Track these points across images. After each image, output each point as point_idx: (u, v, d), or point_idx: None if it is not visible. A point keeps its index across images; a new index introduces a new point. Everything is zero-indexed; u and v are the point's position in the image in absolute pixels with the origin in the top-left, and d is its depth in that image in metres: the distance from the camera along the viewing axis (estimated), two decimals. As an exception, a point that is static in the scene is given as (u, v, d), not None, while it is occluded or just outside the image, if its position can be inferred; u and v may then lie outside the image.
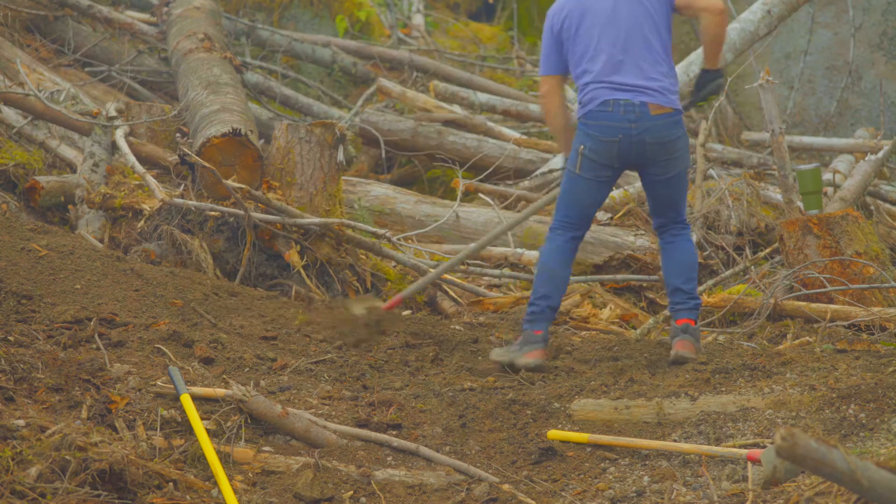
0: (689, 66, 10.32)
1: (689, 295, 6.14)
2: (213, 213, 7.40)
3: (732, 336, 6.93)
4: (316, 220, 7.39)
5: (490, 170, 9.72)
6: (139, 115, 8.19)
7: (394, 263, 7.73)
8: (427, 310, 7.64)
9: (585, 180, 6.08)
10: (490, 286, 8.02)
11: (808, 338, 6.76)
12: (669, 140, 6.04)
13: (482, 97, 11.08)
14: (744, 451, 5.01)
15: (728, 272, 7.93)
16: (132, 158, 7.67)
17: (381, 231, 7.68)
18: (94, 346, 5.63)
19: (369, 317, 6.43)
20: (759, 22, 10.08)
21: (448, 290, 7.69)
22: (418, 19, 13.43)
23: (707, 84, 6.32)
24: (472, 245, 6.95)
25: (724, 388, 5.58)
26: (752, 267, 7.90)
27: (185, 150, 7.48)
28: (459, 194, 8.85)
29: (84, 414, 4.96)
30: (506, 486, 4.99)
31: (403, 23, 13.27)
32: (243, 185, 7.33)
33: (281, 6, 12.88)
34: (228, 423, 5.12)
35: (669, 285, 6.18)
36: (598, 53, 6.04)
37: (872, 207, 8.82)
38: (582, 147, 6.04)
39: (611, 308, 7.59)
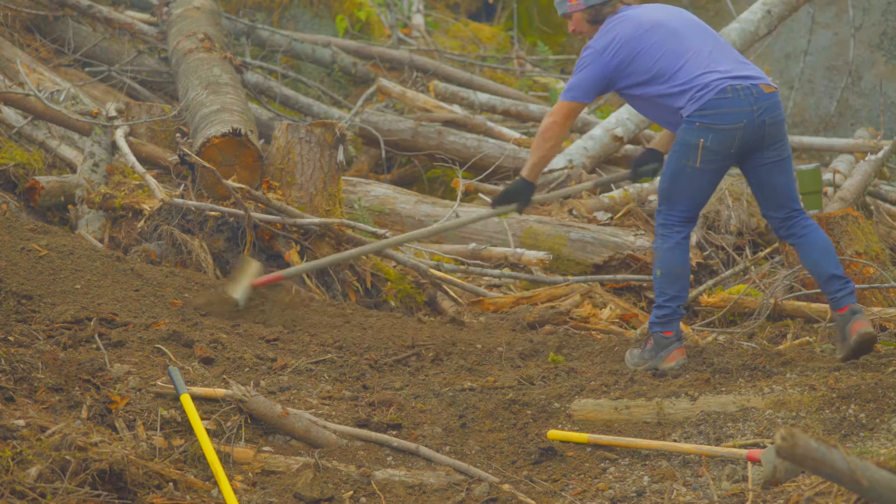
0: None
1: (845, 279, 5.99)
2: (213, 213, 7.40)
3: (732, 336, 6.93)
4: (316, 220, 7.39)
5: (490, 170, 9.72)
6: (139, 115, 8.18)
7: (394, 263, 7.73)
8: (427, 310, 7.64)
9: (707, 172, 5.99)
10: (490, 286, 8.02)
11: (808, 338, 6.76)
12: (781, 119, 6.01)
13: (482, 97, 11.07)
14: (744, 451, 5.01)
15: (728, 272, 7.93)
16: (132, 158, 7.67)
17: (381, 231, 7.68)
18: (94, 346, 5.63)
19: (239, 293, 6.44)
20: (759, 22, 10.07)
21: (448, 289, 7.69)
22: (418, 19, 13.43)
23: (647, 163, 6.51)
24: (412, 233, 7.04)
25: (724, 388, 5.58)
26: (752, 267, 7.91)
27: (185, 150, 7.48)
28: (459, 194, 8.85)
29: (84, 414, 4.96)
30: (506, 486, 4.99)
31: (403, 23, 13.26)
32: (243, 185, 7.33)
33: (281, 6, 12.88)
34: (228, 423, 5.12)
35: (821, 276, 6.01)
36: (686, 52, 5.99)
37: (872, 207, 8.82)
38: (702, 141, 5.92)
39: (611, 308, 7.60)
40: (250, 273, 6.62)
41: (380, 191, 8.98)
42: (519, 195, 6.36)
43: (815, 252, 6.04)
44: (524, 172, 6.31)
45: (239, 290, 6.54)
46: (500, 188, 9.32)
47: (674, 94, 6.00)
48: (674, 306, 6.09)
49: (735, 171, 9.69)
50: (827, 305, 7.05)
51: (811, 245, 6.05)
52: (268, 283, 6.49)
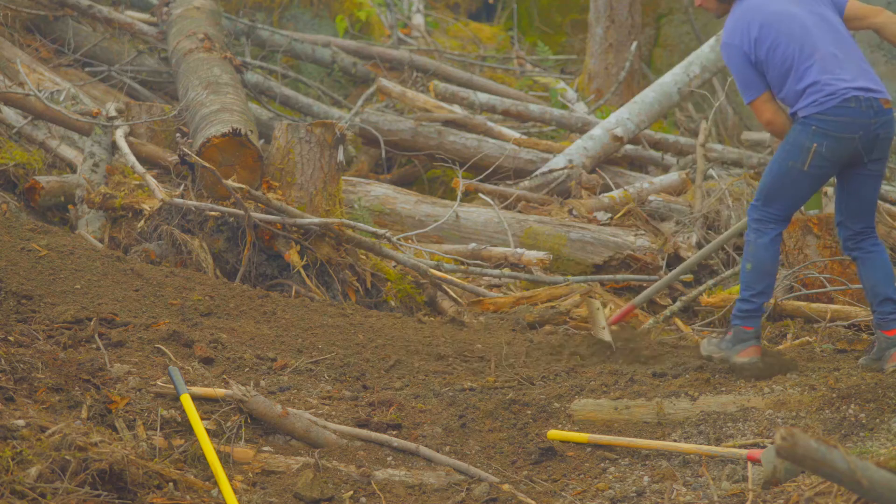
0: (690, 66, 10.33)
1: None
2: (213, 213, 7.40)
3: (732, 336, 6.92)
4: (316, 220, 7.39)
5: (490, 170, 9.72)
6: (139, 115, 8.18)
7: (394, 263, 7.73)
8: (427, 310, 7.64)
9: (812, 177, 5.92)
10: (490, 286, 8.02)
11: (808, 338, 6.76)
12: (892, 135, 5.96)
13: (482, 97, 11.07)
14: (744, 451, 5.01)
15: (728, 272, 7.93)
16: (132, 158, 7.67)
17: (381, 231, 7.68)
18: (94, 346, 5.63)
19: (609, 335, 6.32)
20: (759, 22, 10.06)
21: (448, 289, 7.69)
22: (418, 19, 13.43)
23: None
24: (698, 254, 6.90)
25: (724, 388, 5.59)
26: (753, 267, 7.90)
27: (185, 150, 7.48)
28: (459, 194, 8.85)
29: (84, 414, 4.96)
30: (506, 486, 4.99)
31: (403, 23, 13.26)
32: (243, 185, 7.32)
33: (281, 6, 12.88)
34: (228, 423, 5.12)
35: (878, 295, 5.98)
36: (813, 53, 5.89)
37: (872, 207, 8.81)
38: (815, 145, 5.85)
39: (611, 308, 7.59)
40: (599, 313, 6.48)
41: (380, 191, 8.98)
42: None
43: (877, 272, 6.00)
44: None
45: (604, 333, 6.39)
46: (500, 188, 9.33)
47: (796, 92, 5.92)
48: (759, 302, 6.02)
49: (735, 170, 9.73)
50: (826, 305, 7.06)
51: (875, 265, 6.01)
52: (623, 317, 6.36)
